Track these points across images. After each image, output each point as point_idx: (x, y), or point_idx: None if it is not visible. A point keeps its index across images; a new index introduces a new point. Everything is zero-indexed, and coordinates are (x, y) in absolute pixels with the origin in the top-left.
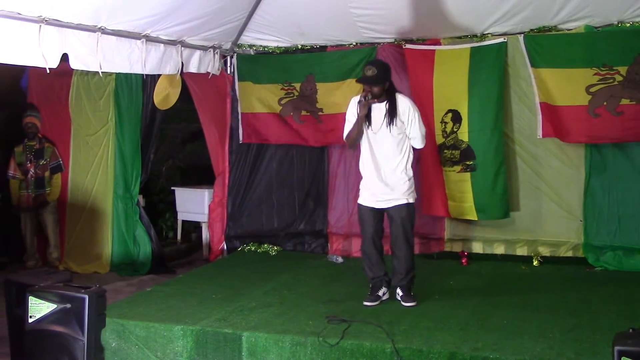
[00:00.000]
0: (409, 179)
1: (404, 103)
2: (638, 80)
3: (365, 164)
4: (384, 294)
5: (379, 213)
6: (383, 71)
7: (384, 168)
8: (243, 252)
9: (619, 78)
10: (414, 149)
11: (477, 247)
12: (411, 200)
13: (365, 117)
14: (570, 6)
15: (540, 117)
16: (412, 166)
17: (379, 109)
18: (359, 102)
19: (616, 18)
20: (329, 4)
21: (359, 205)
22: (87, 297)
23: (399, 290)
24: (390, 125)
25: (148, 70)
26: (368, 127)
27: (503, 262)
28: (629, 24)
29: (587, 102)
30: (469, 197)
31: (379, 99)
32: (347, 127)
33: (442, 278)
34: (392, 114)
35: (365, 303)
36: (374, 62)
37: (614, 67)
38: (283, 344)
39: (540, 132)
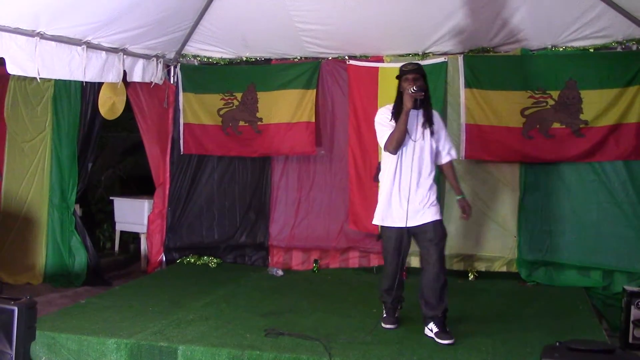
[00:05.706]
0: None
1: (436, 115)
2: (568, 104)
3: (399, 176)
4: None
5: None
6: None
7: (421, 179)
8: (182, 264)
9: (551, 102)
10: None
11: (416, 262)
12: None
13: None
14: (507, 29)
15: (464, 137)
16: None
17: (415, 118)
18: (409, 92)
19: (550, 42)
20: (274, 18)
21: (386, 228)
22: (16, 309)
23: (432, 325)
24: (429, 134)
25: (89, 78)
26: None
27: None
28: (562, 49)
29: (522, 125)
30: None
31: (423, 98)
32: (384, 131)
33: None
34: (430, 122)
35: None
36: (412, 63)
37: (547, 91)
38: (219, 358)
39: (463, 154)
